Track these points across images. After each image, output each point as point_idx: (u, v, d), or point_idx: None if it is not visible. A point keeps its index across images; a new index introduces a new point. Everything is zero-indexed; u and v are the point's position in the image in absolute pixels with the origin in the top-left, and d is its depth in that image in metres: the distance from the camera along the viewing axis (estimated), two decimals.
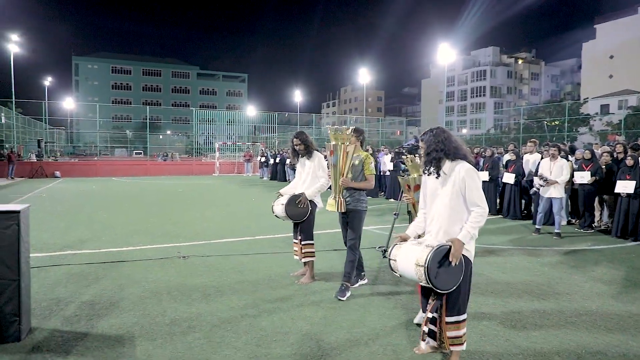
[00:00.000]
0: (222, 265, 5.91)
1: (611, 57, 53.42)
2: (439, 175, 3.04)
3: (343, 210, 4.75)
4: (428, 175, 3.12)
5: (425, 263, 2.77)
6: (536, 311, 4.37)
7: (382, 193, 15.21)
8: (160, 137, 52.89)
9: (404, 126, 48.09)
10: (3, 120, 29.86)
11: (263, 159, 25.19)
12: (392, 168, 13.93)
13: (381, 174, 15.12)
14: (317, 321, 4.03)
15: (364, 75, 38.30)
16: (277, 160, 22.61)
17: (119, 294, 4.66)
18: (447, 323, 3.05)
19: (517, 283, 5.29)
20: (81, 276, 5.32)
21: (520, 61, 75.56)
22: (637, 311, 4.41)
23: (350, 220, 4.80)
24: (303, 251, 5.17)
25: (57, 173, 24.31)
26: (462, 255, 2.93)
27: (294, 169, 19.81)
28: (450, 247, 2.87)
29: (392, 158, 14.11)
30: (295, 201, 5.09)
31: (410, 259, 2.90)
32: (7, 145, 28.06)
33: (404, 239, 3.16)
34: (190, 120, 37.32)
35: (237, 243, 7.37)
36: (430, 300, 3.18)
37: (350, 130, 4.72)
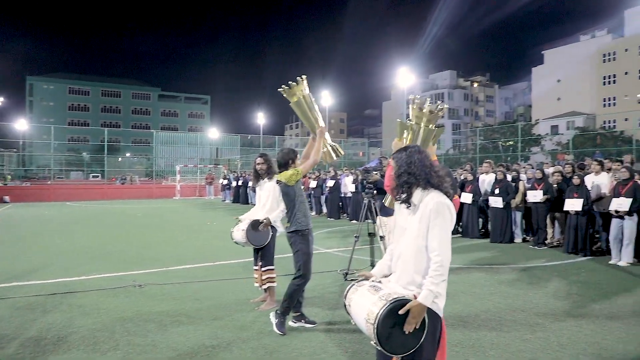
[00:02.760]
0: (179, 293, 5.74)
1: (558, 80, 56.31)
2: (409, 204, 2.48)
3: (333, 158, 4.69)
4: (400, 203, 2.53)
5: (375, 321, 2.19)
6: (493, 329, 4.45)
7: (345, 215, 15.28)
8: (119, 159, 51.48)
9: (366, 147, 48.75)
10: None
11: (225, 182, 24.92)
12: (353, 190, 14.05)
13: (342, 195, 15.22)
14: (278, 349, 3.96)
15: (327, 98, 38.78)
16: (240, 182, 22.40)
17: (68, 328, 4.43)
18: None
19: (475, 302, 5.38)
20: (27, 310, 5.03)
21: (475, 84, 78.49)
22: (586, 326, 4.56)
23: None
24: (263, 277, 5.10)
25: (6, 198, 23.17)
26: (427, 310, 2.29)
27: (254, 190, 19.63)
28: (408, 301, 2.26)
29: (354, 180, 14.24)
30: (256, 226, 5.03)
31: (362, 310, 2.31)
32: None
33: (369, 278, 2.57)
34: (151, 142, 36.51)
35: (196, 269, 7.19)
36: None
37: (303, 79, 4.47)
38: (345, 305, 2.52)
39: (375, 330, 2.18)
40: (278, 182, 4.53)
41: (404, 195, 2.49)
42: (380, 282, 2.51)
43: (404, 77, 31.36)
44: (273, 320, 4.37)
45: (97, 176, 42.96)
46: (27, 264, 7.49)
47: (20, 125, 42.48)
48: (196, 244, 9.88)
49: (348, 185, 14.50)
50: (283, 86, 4.49)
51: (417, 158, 2.51)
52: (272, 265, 5.17)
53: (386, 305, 2.21)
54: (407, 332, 2.23)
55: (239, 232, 5.18)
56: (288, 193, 4.48)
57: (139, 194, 27.97)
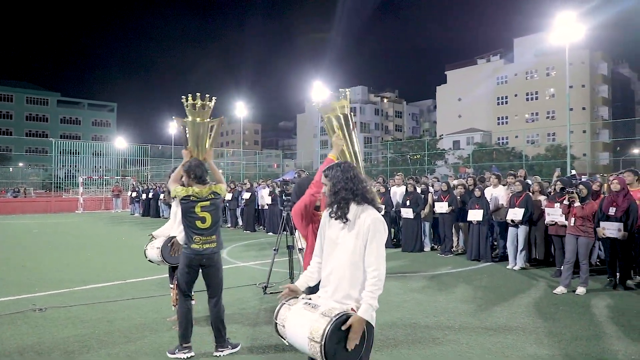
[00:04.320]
0: (87, 315, 5.34)
1: (459, 99, 61.08)
2: (346, 220, 2.48)
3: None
4: (335, 219, 2.51)
5: (322, 339, 2.18)
6: (408, 335, 4.69)
7: (262, 227, 15.19)
8: (11, 169, 46.75)
9: (280, 159, 49.01)
10: None
11: (134, 194, 23.64)
12: (270, 202, 14.03)
13: (259, 207, 15.13)
14: None
15: (241, 109, 38.47)
16: (150, 195, 21.38)
17: None
18: None
19: (391, 310, 5.62)
20: None
21: (385, 100, 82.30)
22: (491, 326, 4.97)
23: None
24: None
25: None
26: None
27: (168, 205, 19.03)
28: (350, 315, 2.31)
29: (270, 192, 14.23)
30: (169, 244, 4.84)
31: (303, 328, 2.30)
32: None
33: (294, 291, 2.56)
34: (49, 151, 33.60)
35: (105, 288, 6.74)
36: None
37: (208, 104, 4.37)
38: (276, 325, 2.45)
39: (323, 348, 2.16)
40: (215, 195, 4.17)
41: (340, 211, 2.49)
42: (310, 298, 2.49)
43: (318, 91, 32.09)
44: (224, 353, 4.13)
45: None
46: None
47: None
48: (104, 261, 9.24)
49: (265, 198, 14.44)
50: (189, 97, 4.30)
51: (352, 174, 2.54)
52: None
53: (332, 322, 2.21)
54: (349, 349, 2.25)
55: (154, 250, 4.95)
56: (220, 208, 4.25)
57: (35, 208, 25.56)
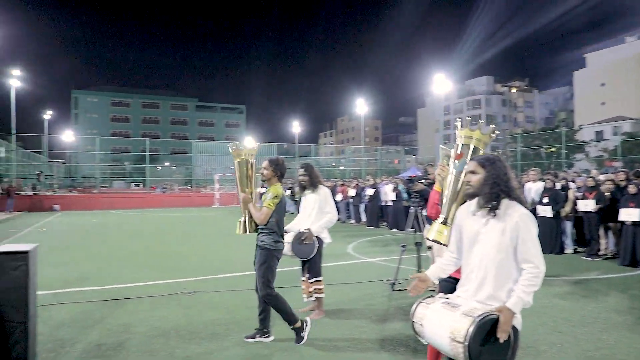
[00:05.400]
0: (229, 301, 5.81)
1: (602, 84, 54.40)
2: (494, 215, 2.37)
3: (240, 232, 4.69)
4: (488, 211, 2.40)
5: (465, 340, 2.10)
6: (553, 344, 4.28)
7: (385, 223, 15.13)
8: (159, 168, 52.95)
9: (401, 155, 48.37)
10: (3, 154, 29.86)
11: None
12: (394, 198, 13.90)
13: (383, 203, 15.09)
14: (336, 357, 3.93)
15: (362, 106, 38.75)
16: None
17: (125, 334, 4.54)
18: None
19: (531, 315, 5.18)
20: (85, 315, 5.19)
21: (513, 90, 76.72)
22: None
23: (257, 256, 4.51)
24: (311, 289, 5.10)
25: (56, 206, 24.18)
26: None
27: (294, 200, 19.91)
28: (497, 317, 2.19)
29: (394, 188, 14.10)
30: (300, 238, 5.02)
31: (443, 328, 2.23)
32: (5, 179, 27.98)
33: (423, 280, 2.52)
34: (189, 151, 37.40)
35: (243, 277, 7.26)
36: None
37: (255, 144, 4.98)
38: (414, 324, 2.42)
39: (467, 350, 2.10)
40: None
41: (492, 205, 2.38)
42: (448, 298, 2.42)
43: (440, 84, 30.97)
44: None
45: (139, 185, 44.30)
46: (80, 271, 7.76)
47: (67, 137, 44.48)
48: (240, 252, 9.98)
49: (389, 194, 14.36)
50: (234, 143, 4.82)
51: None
52: (320, 276, 5.15)
53: (475, 322, 2.12)
54: (497, 342, 2.17)
55: (285, 245, 5.18)
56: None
57: (179, 202, 28.63)
